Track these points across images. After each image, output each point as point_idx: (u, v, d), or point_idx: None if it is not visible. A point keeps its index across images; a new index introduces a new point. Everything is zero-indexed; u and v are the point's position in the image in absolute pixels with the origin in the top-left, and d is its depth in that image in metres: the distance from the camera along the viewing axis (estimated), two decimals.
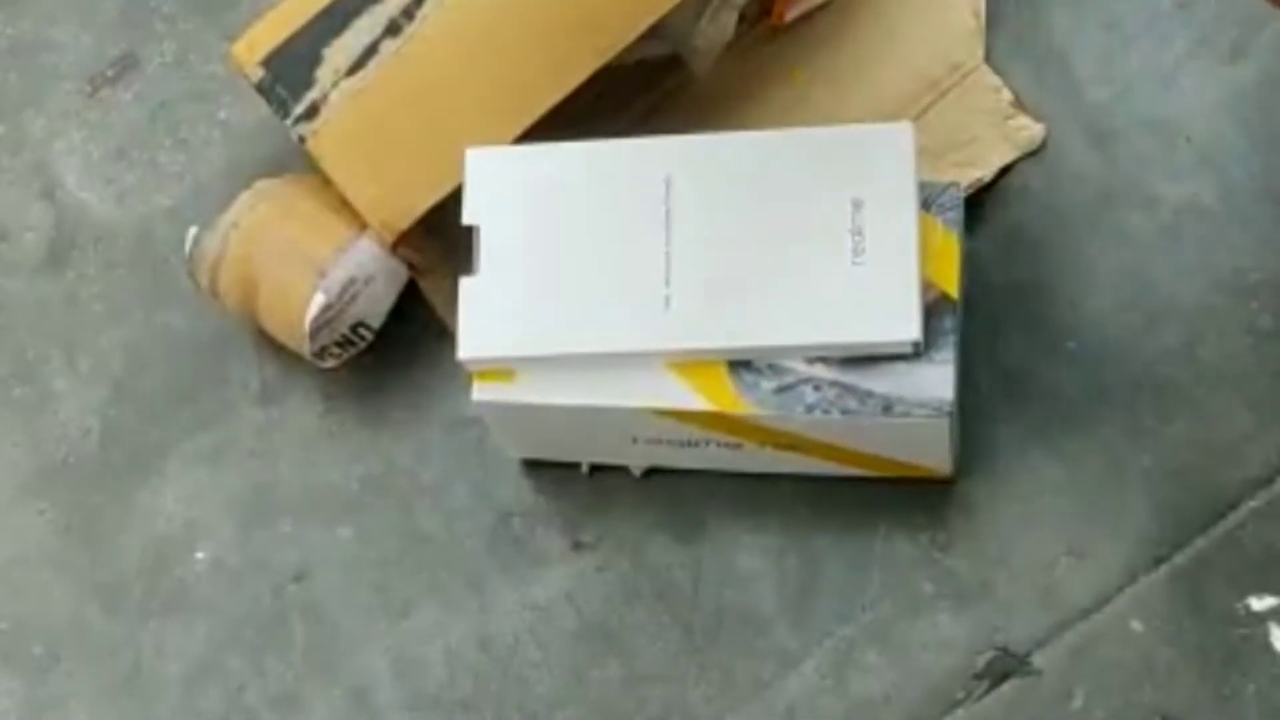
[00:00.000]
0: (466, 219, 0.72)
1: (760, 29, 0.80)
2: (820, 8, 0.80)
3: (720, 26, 0.78)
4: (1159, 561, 0.73)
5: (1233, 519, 0.73)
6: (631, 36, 0.75)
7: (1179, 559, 0.73)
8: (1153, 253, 0.77)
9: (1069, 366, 0.76)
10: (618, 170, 0.72)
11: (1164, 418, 0.75)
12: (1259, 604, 0.72)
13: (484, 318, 0.71)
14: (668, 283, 0.70)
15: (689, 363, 0.70)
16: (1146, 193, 0.78)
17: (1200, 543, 0.73)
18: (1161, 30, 0.80)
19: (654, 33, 0.75)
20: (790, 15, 0.79)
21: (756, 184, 0.71)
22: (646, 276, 0.70)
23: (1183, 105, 0.79)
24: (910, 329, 0.69)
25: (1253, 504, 0.73)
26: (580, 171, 0.72)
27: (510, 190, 0.72)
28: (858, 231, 0.70)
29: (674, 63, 0.79)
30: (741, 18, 0.78)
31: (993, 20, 0.80)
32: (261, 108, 0.79)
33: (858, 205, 0.70)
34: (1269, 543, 0.73)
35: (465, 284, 0.71)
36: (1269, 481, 0.74)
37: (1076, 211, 0.78)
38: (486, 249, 0.72)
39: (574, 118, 0.75)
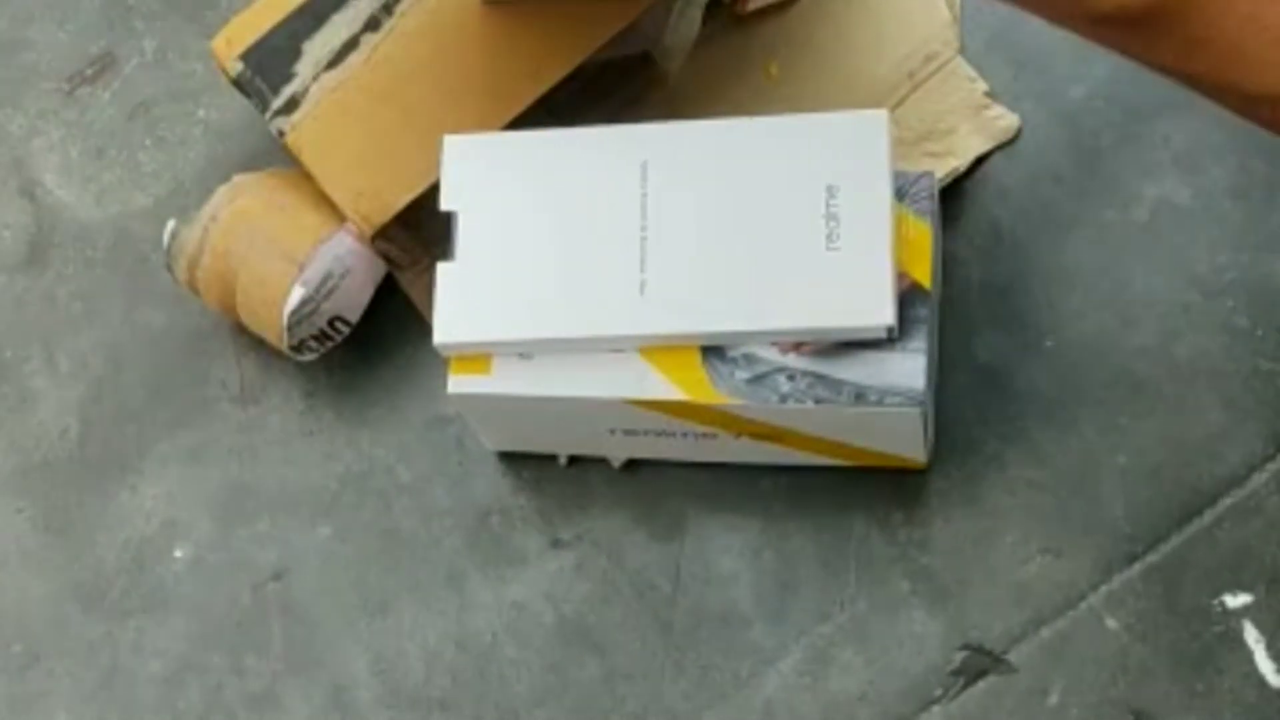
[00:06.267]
0: (444, 205, 0.72)
1: (727, 19, 0.80)
2: (787, 2, 0.80)
3: (688, 24, 0.78)
4: (1133, 559, 0.74)
5: (1208, 516, 0.74)
6: (612, 32, 0.76)
7: (1153, 556, 0.74)
8: (1129, 251, 0.78)
9: (1045, 364, 0.76)
10: (594, 156, 0.72)
11: (1139, 415, 0.75)
12: (1233, 601, 0.73)
13: (460, 303, 0.71)
14: (643, 268, 0.71)
15: (663, 353, 0.71)
16: (1123, 191, 0.78)
17: (1175, 540, 0.74)
18: None
19: (626, 32, 0.76)
20: (752, 5, 0.79)
21: (732, 170, 0.71)
22: (622, 262, 0.71)
23: (1160, 104, 0.79)
24: (884, 314, 0.69)
25: (1227, 501, 0.74)
26: (557, 157, 0.73)
27: (487, 176, 0.73)
28: (832, 218, 0.70)
29: (646, 61, 0.79)
30: (708, 15, 0.79)
31: (970, 17, 0.81)
32: (241, 106, 0.80)
33: (832, 192, 0.70)
34: (1243, 540, 0.73)
35: (442, 269, 0.72)
36: (1244, 479, 0.74)
37: (1053, 210, 0.78)
38: (463, 235, 0.72)
39: (549, 114, 0.75)
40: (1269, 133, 0.60)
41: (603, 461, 0.77)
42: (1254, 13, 0.54)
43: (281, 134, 0.76)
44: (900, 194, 0.72)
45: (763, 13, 0.80)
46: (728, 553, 0.76)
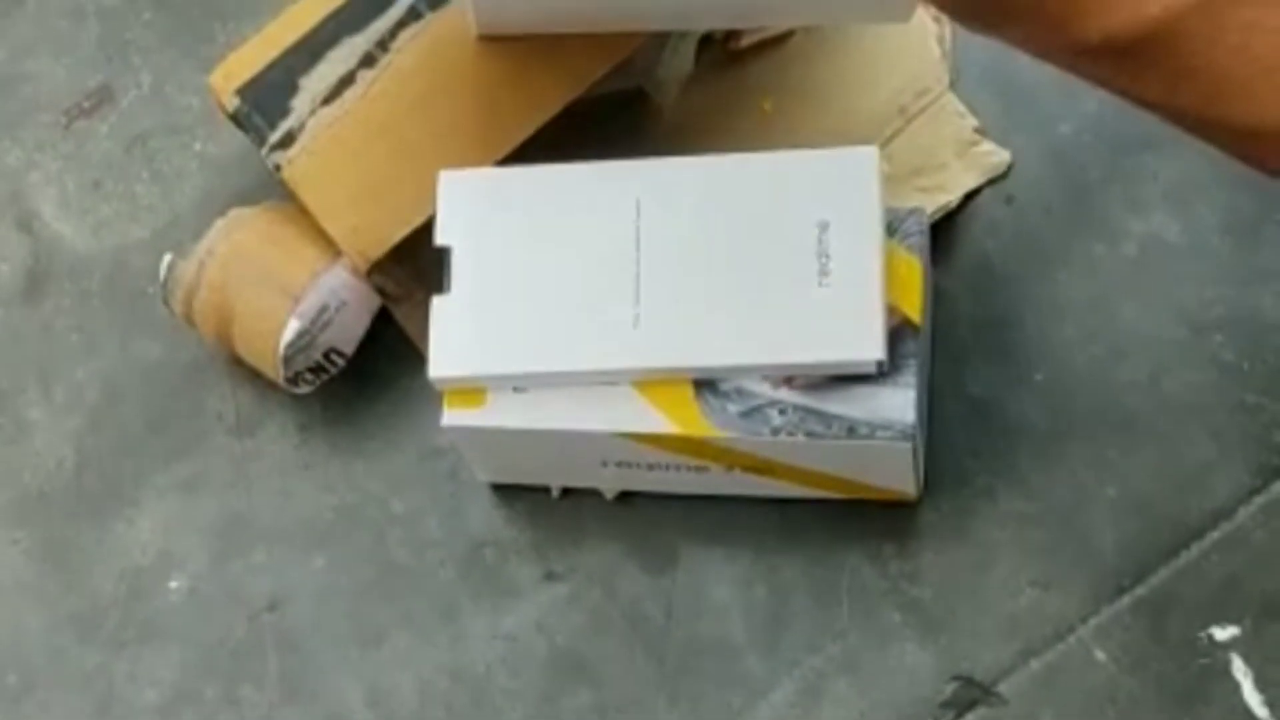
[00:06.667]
0: (439, 240, 0.73)
1: (721, 55, 0.80)
2: (781, 38, 0.80)
3: (681, 59, 0.79)
4: (1122, 591, 0.74)
5: (1196, 549, 0.74)
6: (606, 67, 0.76)
7: (1142, 589, 0.74)
8: (1118, 286, 0.78)
9: (1035, 398, 0.77)
10: (589, 192, 0.73)
11: (1128, 449, 0.76)
12: (1221, 634, 0.73)
13: (455, 337, 0.72)
14: (637, 302, 0.71)
15: (656, 386, 0.71)
16: (1112, 226, 0.79)
17: (1163, 573, 0.74)
18: None
19: (620, 67, 0.76)
20: (745, 41, 0.80)
21: (724, 206, 0.72)
22: (616, 296, 0.71)
23: (1149, 139, 0.80)
24: (874, 349, 0.69)
25: (1215, 535, 0.74)
26: (552, 193, 0.73)
27: (482, 211, 0.73)
28: (823, 254, 0.70)
29: (640, 95, 0.80)
30: (702, 51, 0.79)
31: (960, 54, 0.81)
32: (238, 140, 0.80)
33: (823, 228, 0.71)
34: (1231, 573, 0.74)
35: (437, 303, 0.72)
36: (1231, 513, 0.74)
37: (1043, 244, 0.79)
38: (458, 269, 0.72)
39: (544, 148, 0.76)
40: (1256, 170, 0.60)
41: (596, 494, 0.78)
42: (1243, 43, 0.54)
43: (278, 168, 0.77)
44: (891, 230, 0.72)
45: (756, 49, 0.81)
46: (720, 585, 0.76)
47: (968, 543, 0.75)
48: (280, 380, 0.78)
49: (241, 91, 0.77)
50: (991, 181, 0.80)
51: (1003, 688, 0.74)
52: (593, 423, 0.71)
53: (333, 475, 0.80)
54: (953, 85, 0.81)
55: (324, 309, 0.77)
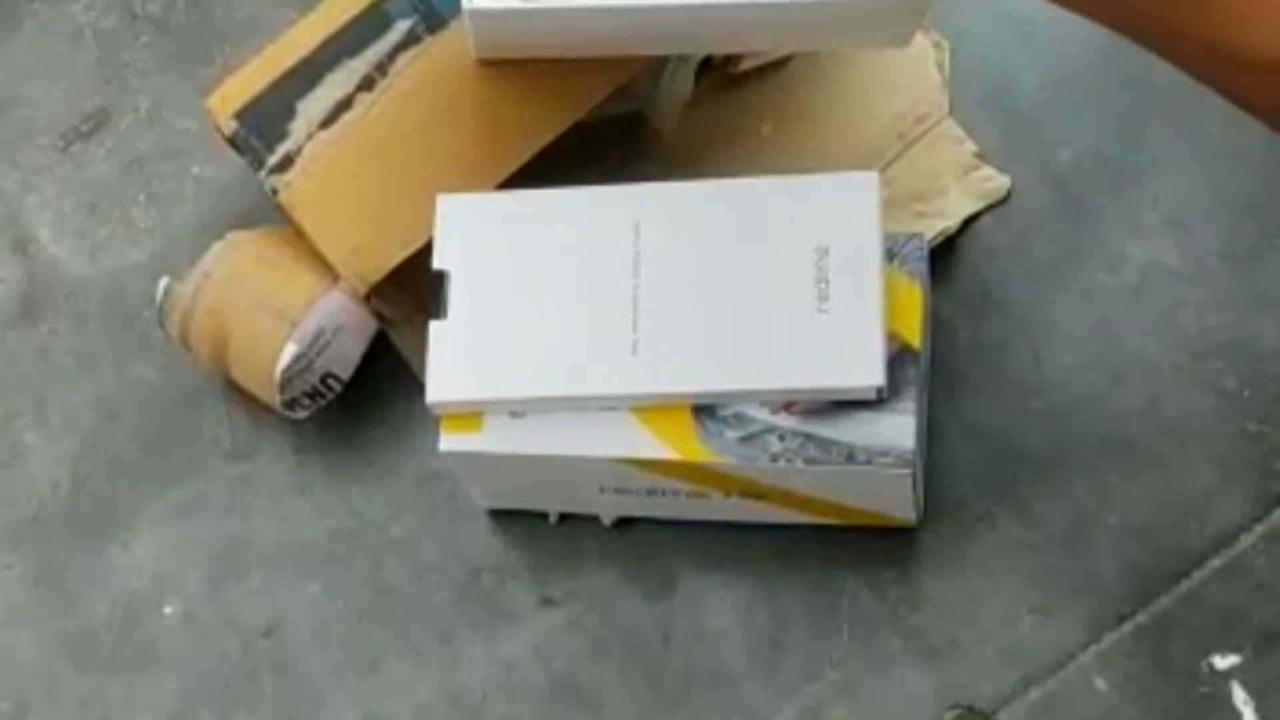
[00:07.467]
0: (437, 264, 0.73)
1: (720, 79, 0.80)
2: (780, 63, 0.80)
3: (680, 83, 0.79)
4: (1123, 619, 0.74)
5: (1196, 577, 0.74)
6: (606, 91, 0.76)
7: (1143, 617, 0.74)
8: (1118, 312, 0.78)
9: (1034, 424, 0.77)
10: (588, 216, 0.73)
11: (1128, 476, 0.75)
12: (1222, 662, 0.73)
13: (452, 362, 0.72)
14: (635, 327, 0.71)
15: (654, 411, 0.71)
16: (1112, 252, 0.79)
17: (1164, 601, 0.74)
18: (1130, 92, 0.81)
19: (620, 91, 0.76)
20: (744, 66, 0.80)
21: (724, 231, 0.72)
22: (615, 321, 0.71)
23: (1149, 165, 0.80)
24: (874, 375, 0.69)
25: (1216, 562, 0.74)
26: (551, 217, 0.73)
27: (480, 236, 0.73)
28: (823, 279, 0.70)
29: (640, 120, 0.79)
30: (701, 75, 0.79)
31: (961, 78, 0.81)
32: (235, 163, 0.80)
33: (823, 253, 0.71)
34: (1232, 601, 0.73)
35: (434, 328, 0.72)
36: (1232, 540, 0.74)
37: (1042, 270, 0.79)
38: (456, 293, 0.72)
39: (544, 173, 0.76)
40: (1256, 117, 0.58)
41: (594, 519, 0.77)
42: None
43: (275, 192, 0.77)
44: (891, 255, 0.72)
45: (756, 74, 0.81)
46: (719, 611, 0.76)
47: (968, 569, 0.75)
48: (276, 404, 0.77)
49: (239, 115, 0.77)
50: (991, 207, 0.80)
51: (1003, 716, 0.73)
52: (591, 448, 0.71)
53: (329, 500, 0.80)
54: (952, 110, 0.80)
55: (321, 333, 0.76)
